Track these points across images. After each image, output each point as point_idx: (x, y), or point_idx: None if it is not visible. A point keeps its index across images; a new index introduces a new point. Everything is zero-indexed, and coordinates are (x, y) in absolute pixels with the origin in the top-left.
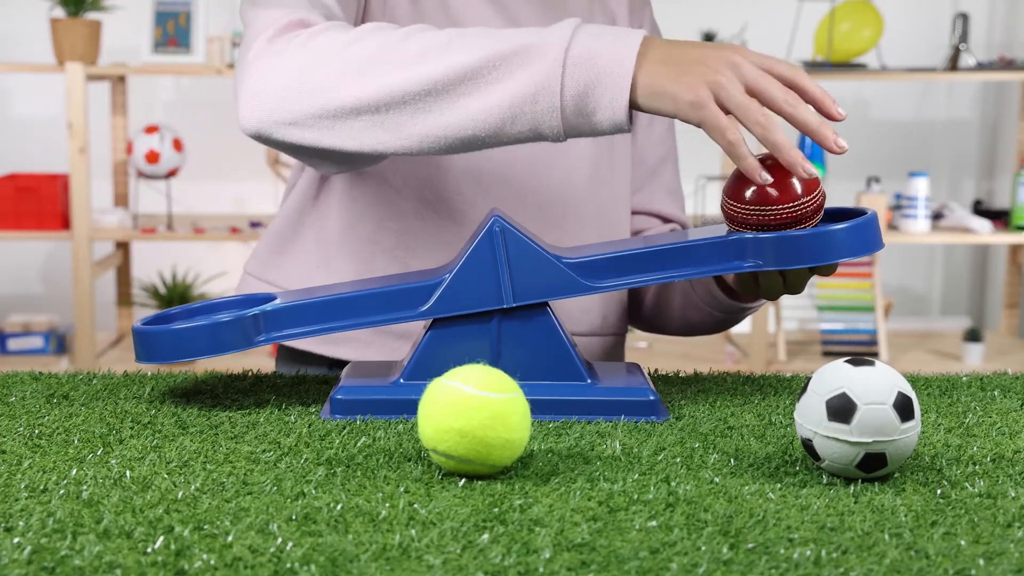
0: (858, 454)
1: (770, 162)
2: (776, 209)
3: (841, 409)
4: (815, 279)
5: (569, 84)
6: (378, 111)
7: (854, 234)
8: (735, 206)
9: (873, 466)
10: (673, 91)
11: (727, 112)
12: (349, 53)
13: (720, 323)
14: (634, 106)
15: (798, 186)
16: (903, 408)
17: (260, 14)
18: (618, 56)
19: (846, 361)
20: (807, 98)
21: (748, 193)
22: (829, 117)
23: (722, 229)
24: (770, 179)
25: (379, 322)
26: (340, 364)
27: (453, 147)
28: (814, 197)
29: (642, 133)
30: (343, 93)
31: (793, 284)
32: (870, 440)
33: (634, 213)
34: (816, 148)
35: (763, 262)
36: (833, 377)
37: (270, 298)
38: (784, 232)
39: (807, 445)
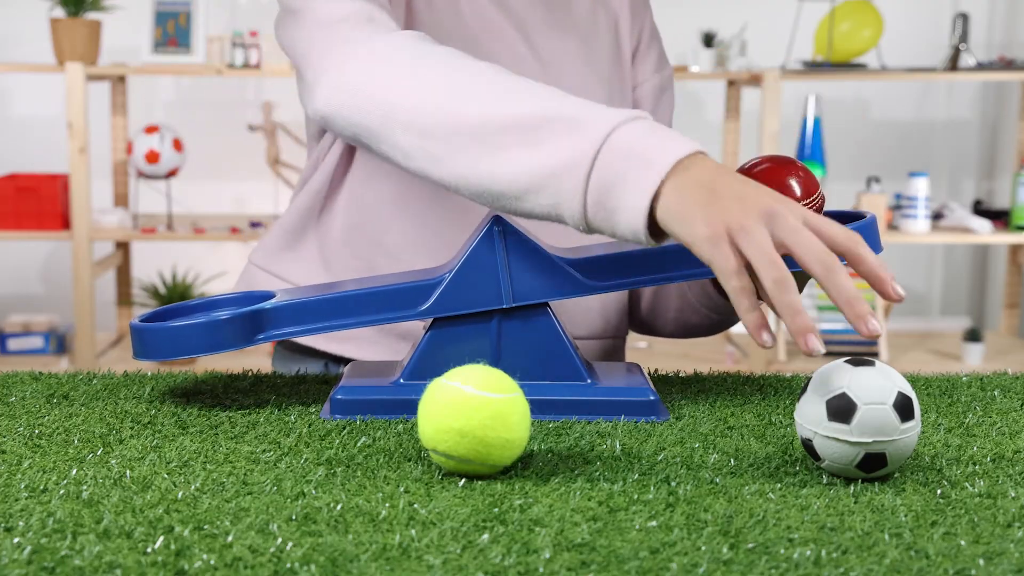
0: (858, 454)
1: (766, 165)
2: None
3: (841, 409)
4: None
5: (597, 173)
6: (425, 138)
7: None
8: None
9: (873, 466)
10: (694, 217)
11: (744, 258)
12: (419, 73)
13: (716, 325)
14: (655, 220)
15: (797, 189)
16: (903, 408)
17: (316, 4)
18: (653, 161)
19: (846, 361)
20: (862, 270)
21: None
22: (884, 296)
23: None
24: (770, 342)
25: (378, 321)
26: (337, 359)
27: (483, 197)
28: (813, 200)
29: None
30: (403, 112)
31: None
32: (870, 440)
33: None
34: (816, 148)
35: None
36: (833, 377)
37: (269, 296)
38: None
39: (807, 445)
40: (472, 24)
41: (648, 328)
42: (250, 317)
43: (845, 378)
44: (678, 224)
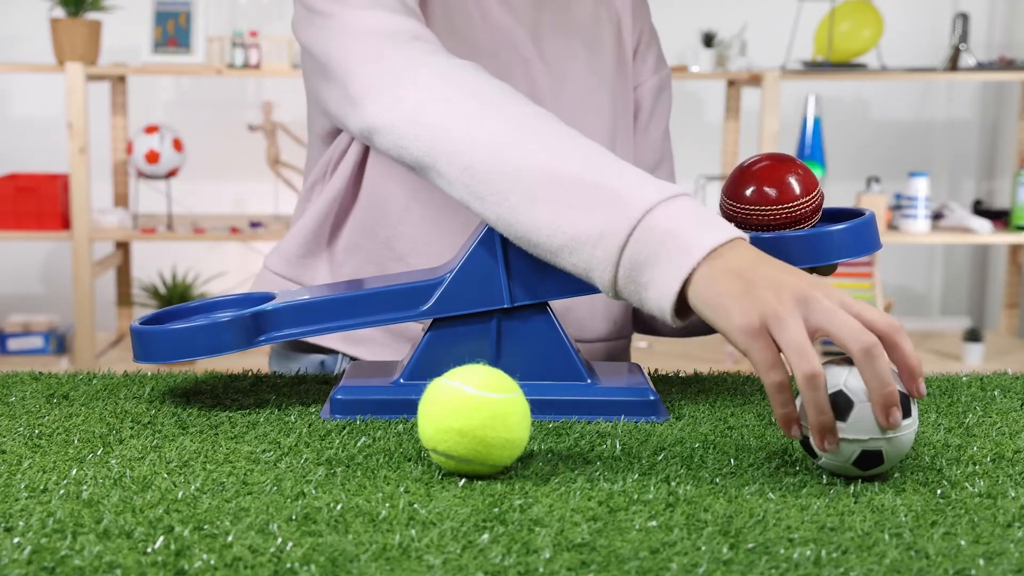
0: (855, 451)
1: (768, 162)
2: (775, 209)
3: (837, 406)
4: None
5: (631, 248)
6: (469, 175)
7: (852, 235)
8: (734, 206)
9: (870, 463)
10: (728, 308)
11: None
12: (474, 109)
13: None
14: (687, 304)
15: (796, 186)
16: (900, 405)
17: (354, 13)
18: (690, 246)
19: (843, 359)
20: (896, 357)
21: (747, 193)
22: (908, 391)
23: None
24: (799, 436)
25: (379, 322)
26: (333, 353)
27: (519, 241)
28: (812, 197)
29: (639, 137)
30: (452, 145)
31: None
32: (867, 437)
33: None
34: (816, 148)
35: None
36: (830, 375)
37: (269, 297)
38: (782, 232)
39: (804, 443)
40: (483, 27)
41: (649, 327)
42: (251, 319)
43: (842, 376)
44: (711, 312)
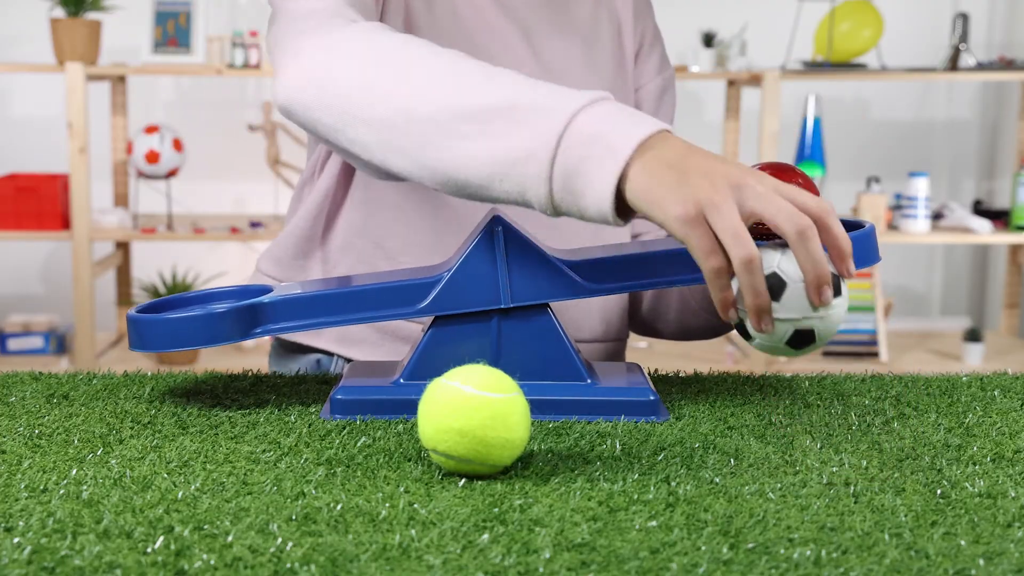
0: (788, 331)
1: (767, 172)
2: None
3: (772, 288)
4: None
5: (561, 158)
6: (384, 129)
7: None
8: None
9: (803, 343)
10: (665, 199)
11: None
12: (377, 64)
13: (717, 329)
14: (624, 202)
15: None
16: (832, 285)
17: (289, 3)
18: (616, 145)
19: (776, 243)
20: (827, 237)
21: None
22: (839, 270)
23: None
24: (735, 318)
25: (376, 318)
26: (330, 355)
27: (447, 187)
28: None
29: None
30: (361, 104)
31: None
32: (799, 316)
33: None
34: (816, 148)
35: None
36: (764, 258)
37: (266, 290)
38: (782, 241)
39: (740, 328)
40: (472, 27)
41: (649, 330)
42: (247, 311)
43: (775, 259)
44: (649, 206)
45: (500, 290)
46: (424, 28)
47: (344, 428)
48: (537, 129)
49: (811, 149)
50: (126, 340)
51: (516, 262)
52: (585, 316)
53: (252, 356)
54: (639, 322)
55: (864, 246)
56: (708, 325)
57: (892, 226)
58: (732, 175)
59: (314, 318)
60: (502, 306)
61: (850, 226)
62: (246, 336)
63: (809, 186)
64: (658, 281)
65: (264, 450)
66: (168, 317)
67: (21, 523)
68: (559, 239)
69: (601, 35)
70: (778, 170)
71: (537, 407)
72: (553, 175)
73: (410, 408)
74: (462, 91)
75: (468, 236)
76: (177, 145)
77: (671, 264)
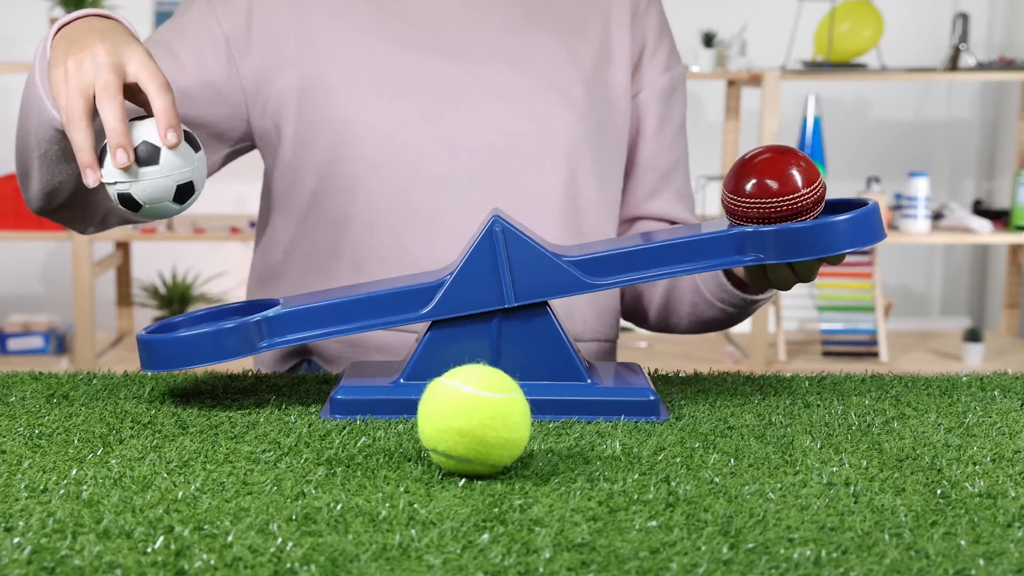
0: (113, 193)
1: (768, 155)
2: (776, 202)
3: (150, 154)
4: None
5: (40, 66)
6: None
7: (856, 225)
8: (735, 200)
9: (184, 196)
10: (60, 98)
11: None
12: None
13: (732, 317)
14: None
15: (798, 178)
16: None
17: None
18: (43, 46)
19: (146, 117)
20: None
21: (748, 186)
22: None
23: (724, 224)
24: (93, 182)
25: (382, 325)
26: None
27: (40, 177)
28: (814, 189)
29: (649, 140)
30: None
31: (802, 273)
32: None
33: (646, 219)
34: (816, 148)
35: (764, 255)
36: (138, 129)
37: (273, 303)
38: (785, 224)
39: (125, 198)
40: (445, 21)
41: (663, 326)
42: (254, 325)
43: (143, 131)
44: (55, 86)
45: (503, 290)
46: (395, 23)
47: (344, 428)
48: (38, 56)
49: (811, 149)
50: (126, 340)
51: (518, 261)
52: (575, 315)
53: (252, 356)
54: (651, 320)
55: (869, 223)
56: (723, 315)
57: (892, 226)
58: (91, 47)
59: (320, 328)
60: (506, 306)
61: (853, 204)
62: (255, 350)
63: (811, 168)
64: (659, 273)
65: (264, 450)
66: (177, 336)
67: (21, 523)
68: (558, 237)
69: (587, 28)
70: (779, 152)
71: (537, 407)
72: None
73: (410, 408)
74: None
75: (469, 239)
76: None
77: (672, 255)
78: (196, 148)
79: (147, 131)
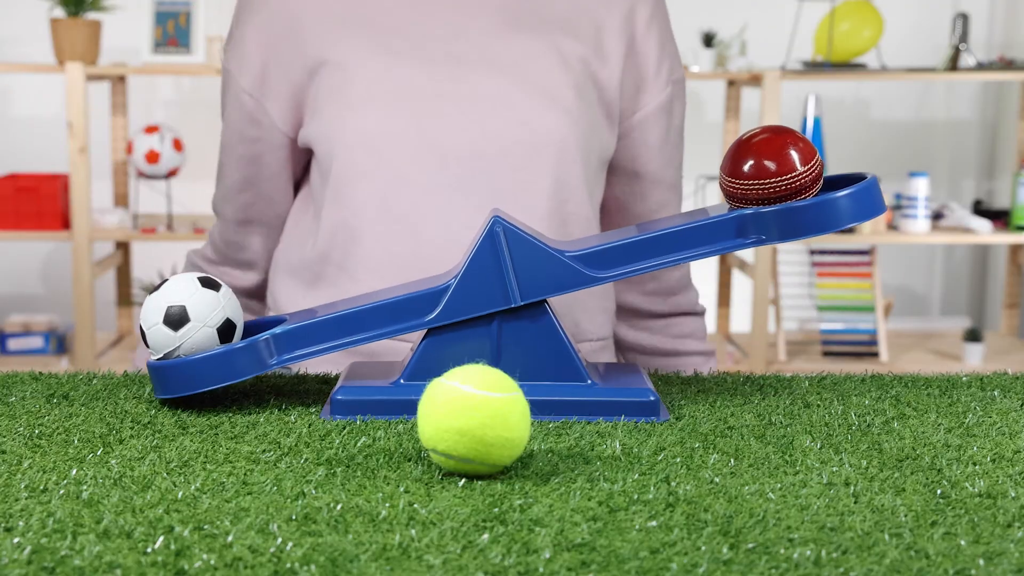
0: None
1: (764, 135)
2: (775, 182)
3: (175, 318)
4: (815, 282)
5: None
6: None
7: (856, 200)
8: (733, 182)
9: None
10: None
11: None
12: None
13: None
14: None
15: (796, 157)
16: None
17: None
18: None
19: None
20: None
21: (745, 168)
22: None
23: (723, 208)
24: None
25: (389, 334)
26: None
27: None
28: (812, 167)
29: (656, 154)
30: None
31: None
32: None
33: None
34: (816, 146)
35: (767, 236)
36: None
37: (280, 320)
38: (786, 204)
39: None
40: (432, 27)
41: (628, 311)
42: (263, 344)
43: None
44: None
45: (508, 289)
46: (386, 28)
47: (344, 428)
48: None
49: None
50: (126, 340)
51: (520, 260)
52: (570, 315)
53: None
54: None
55: (869, 197)
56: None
57: (892, 226)
58: None
59: (328, 342)
60: (512, 305)
61: (852, 179)
62: (265, 368)
63: (807, 146)
64: (663, 261)
65: (264, 450)
66: (186, 360)
67: (21, 523)
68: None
69: (578, 30)
70: (777, 132)
71: (537, 407)
72: None
73: (410, 408)
74: None
75: (470, 242)
76: (177, 145)
77: (674, 243)
78: (216, 288)
79: (168, 294)
